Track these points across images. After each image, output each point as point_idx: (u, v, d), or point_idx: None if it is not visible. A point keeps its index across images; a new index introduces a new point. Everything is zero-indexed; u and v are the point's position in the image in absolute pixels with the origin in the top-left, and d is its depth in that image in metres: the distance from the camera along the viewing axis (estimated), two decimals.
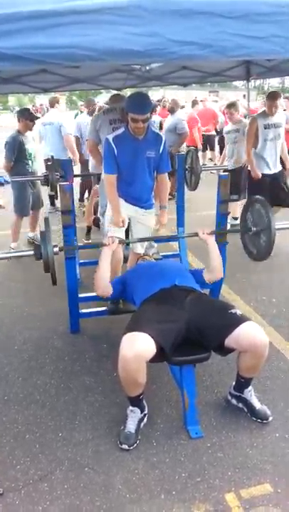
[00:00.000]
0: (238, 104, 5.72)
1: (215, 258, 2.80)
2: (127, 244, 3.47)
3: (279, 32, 1.62)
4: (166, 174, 3.40)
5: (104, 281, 2.72)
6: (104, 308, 3.25)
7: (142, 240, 3.29)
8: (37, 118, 5.28)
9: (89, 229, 5.20)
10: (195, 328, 2.28)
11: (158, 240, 4.26)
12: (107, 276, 2.74)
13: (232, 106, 5.63)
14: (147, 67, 2.54)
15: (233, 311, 2.34)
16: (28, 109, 5.36)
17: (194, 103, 9.47)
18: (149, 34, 1.51)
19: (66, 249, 2.88)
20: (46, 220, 2.68)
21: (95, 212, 5.05)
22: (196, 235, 2.89)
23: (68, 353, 3.12)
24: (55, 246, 2.62)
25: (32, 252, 2.63)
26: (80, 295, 3.25)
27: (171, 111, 7.12)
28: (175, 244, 4.58)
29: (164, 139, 3.23)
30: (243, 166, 5.43)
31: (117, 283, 2.80)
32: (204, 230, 2.86)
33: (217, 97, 24.20)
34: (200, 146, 8.04)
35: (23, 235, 5.33)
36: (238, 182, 5.12)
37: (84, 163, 6.20)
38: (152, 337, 2.12)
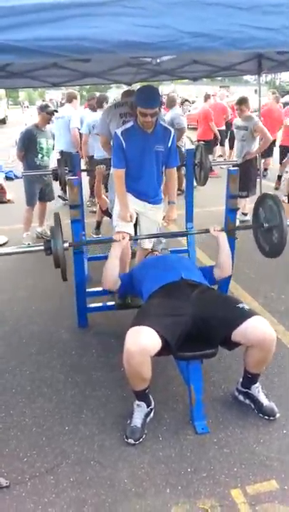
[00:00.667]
0: (249, 101, 5.58)
1: (225, 255, 2.81)
2: (135, 239, 3.46)
3: None
4: (175, 169, 3.39)
5: (113, 276, 2.74)
6: (112, 303, 3.25)
7: (152, 237, 3.28)
8: (55, 111, 5.40)
9: (98, 224, 5.20)
10: (201, 321, 2.27)
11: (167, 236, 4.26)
12: (116, 271, 2.76)
13: (243, 102, 5.47)
14: (158, 60, 2.51)
15: (240, 305, 2.33)
16: (47, 104, 5.47)
17: (206, 97, 9.43)
18: (159, 26, 1.48)
19: (76, 245, 2.88)
20: (56, 215, 2.68)
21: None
22: (207, 231, 2.87)
23: (76, 347, 3.13)
24: (65, 242, 2.62)
25: (42, 248, 2.63)
26: (88, 289, 3.25)
27: (170, 106, 7.16)
28: (183, 240, 4.56)
29: (172, 133, 3.21)
30: (252, 162, 5.39)
31: (125, 278, 2.80)
32: (215, 227, 2.85)
33: (228, 91, 24.02)
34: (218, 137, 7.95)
35: (33, 229, 5.36)
36: (247, 178, 5.09)
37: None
38: (157, 331, 2.11)
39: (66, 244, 2.61)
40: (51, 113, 5.12)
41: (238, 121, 5.65)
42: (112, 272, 2.74)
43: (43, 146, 5.06)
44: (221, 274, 2.83)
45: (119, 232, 2.99)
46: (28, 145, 4.99)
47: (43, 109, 5.08)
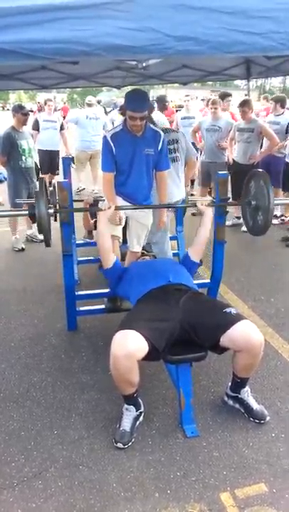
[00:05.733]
0: (251, 102, 5.55)
1: (203, 231, 2.86)
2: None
3: (277, 28, 1.59)
4: (166, 172, 3.39)
5: (106, 248, 2.78)
6: (101, 307, 3.24)
7: (136, 208, 3.24)
8: (29, 112, 5.36)
9: (90, 231, 5.14)
10: (189, 327, 2.27)
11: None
12: (108, 241, 2.80)
13: (245, 104, 5.39)
14: (144, 64, 2.51)
15: (227, 310, 2.33)
16: (20, 104, 5.38)
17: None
18: (145, 29, 1.48)
19: (62, 211, 2.87)
20: (41, 180, 2.71)
21: (93, 216, 4.95)
22: (195, 205, 2.92)
23: (65, 350, 3.11)
24: (50, 207, 2.64)
25: (26, 212, 2.65)
26: (78, 293, 3.24)
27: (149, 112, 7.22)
28: (174, 243, 4.57)
29: (162, 136, 3.22)
30: (254, 164, 5.40)
31: (118, 266, 2.83)
32: (203, 202, 2.88)
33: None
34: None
35: (21, 232, 5.34)
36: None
37: None
38: (144, 336, 2.10)
39: (51, 210, 2.63)
40: (26, 114, 5.02)
41: (240, 123, 5.59)
42: (102, 242, 2.77)
43: (25, 148, 4.96)
44: (195, 252, 2.86)
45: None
46: (10, 149, 4.87)
47: (18, 110, 4.95)
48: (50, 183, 6.31)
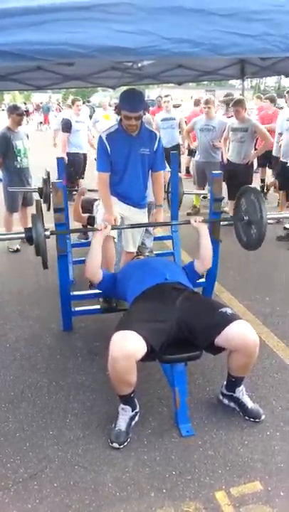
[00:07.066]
0: (245, 102, 5.53)
1: (205, 247, 2.82)
2: (116, 229, 3.44)
3: (272, 30, 1.61)
4: (162, 172, 3.39)
5: (94, 266, 2.73)
6: (97, 307, 3.24)
7: (135, 227, 3.26)
8: (24, 112, 5.33)
9: (85, 227, 5.14)
10: (185, 326, 2.28)
11: (155, 237, 4.28)
12: (98, 260, 2.75)
13: (239, 103, 5.38)
14: (139, 65, 2.52)
15: (223, 309, 2.33)
16: (15, 105, 5.35)
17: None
18: (141, 31, 1.49)
19: (57, 233, 2.87)
20: (37, 202, 2.69)
21: (85, 211, 4.95)
22: (188, 222, 2.90)
23: (60, 351, 3.11)
24: (47, 230, 2.63)
25: (23, 235, 2.64)
26: (73, 293, 3.24)
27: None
28: (169, 243, 4.58)
29: (158, 136, 3.23)
30: (248, 164, 5.42)
31: (107, 278, 2.80)
32: (196, 218, 2.87)
33: (214, 96, 24.19)
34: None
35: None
36: (246, 182, 5.12)
37: None
38: (143, 336, 2.10)
39: (48, 232, 2.62)
40: (21, 114, 5.02)
41: (234, 122, 5.59)
42: (94, 260, 2.73)
43: (20, 148, 4.95)
44: (202, 266, 2.84)
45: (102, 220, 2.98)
46: (5, 149, 4.86)
47: (13, 110, 4.94)
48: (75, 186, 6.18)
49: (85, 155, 7.25)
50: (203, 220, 2.90)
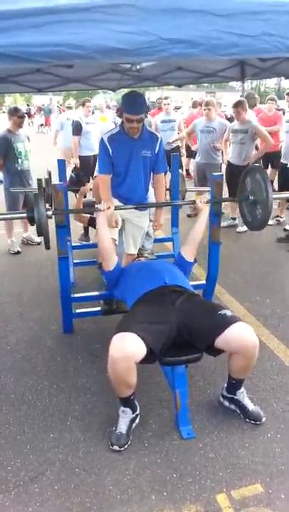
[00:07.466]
0: (246, 103, 5.49)
1: (197, 230, 2.87)
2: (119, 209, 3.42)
3: (271, 30, 1.61)
4: (163, 174, 3.39)
5: (106, 247, 2.76)
6: (97, 309, 3.23)
7: (134, 207, 3.22)
8: (25, 114, 5.31)
9: (86, 230, 5.14)
10: (185, 329, 2.27)
11: (156, 239, 4.28)
12: (109, 240, 2.79)
13: (239, 104, 5.36)
14: (138, 67, 2.52)
15: (222, 312, 2.32)
16: (16, 107, 5.36)
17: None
18: (140, 32, 1.49)
19: (59, 213, 2.86)
20: (39, 181, 2.71)
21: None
22: (194, 202, 2.97)
23: (61, 353, 3.10)
24: (48, 210, 2.65)
25: (24, 215, 2.66)
26: (73, 295, 3.24)
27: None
28: (169, 244, 4.57)
29: (160, 138, 3.22)
30: (248, 165, 5.40)
31: (118, 267, 2.80)
32: (202, 199, 2.93)
33: (214, 98, 24.21)
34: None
35: (17, 235, 5.33)
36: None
37: None
38: (142, 338, 2.10)
39: (50, 212, 2.63)
40: (22, 116, 5.02)
41: (234, 124, 5.58)
42: (102, 242, 2.76)
43: (21, 150, 4.96)
44: (189, 249, 2.86)
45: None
46: (6, 152, 4.87)
47: (14, 113, 4.94)
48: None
49: (95, 156, 7.19)
50: (208, 200, 2.95)
